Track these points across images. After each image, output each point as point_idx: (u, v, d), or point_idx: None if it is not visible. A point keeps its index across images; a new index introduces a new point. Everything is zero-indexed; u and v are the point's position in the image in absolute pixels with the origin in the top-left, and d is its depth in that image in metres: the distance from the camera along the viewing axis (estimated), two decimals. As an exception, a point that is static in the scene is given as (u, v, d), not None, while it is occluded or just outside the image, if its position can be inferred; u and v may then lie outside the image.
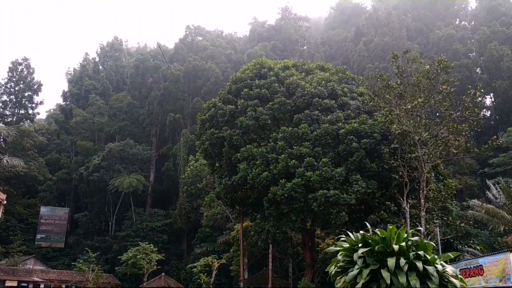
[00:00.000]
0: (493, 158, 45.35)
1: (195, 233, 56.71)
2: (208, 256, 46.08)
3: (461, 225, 25.33)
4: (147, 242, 50.07)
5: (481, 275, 13.31)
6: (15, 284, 42.95)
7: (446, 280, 6.88)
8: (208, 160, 34.75)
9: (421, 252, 6.92)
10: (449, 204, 25.96)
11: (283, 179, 25.45)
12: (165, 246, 56.79)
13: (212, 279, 44.96)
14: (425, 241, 7.31)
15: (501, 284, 12.39)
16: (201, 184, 51.31)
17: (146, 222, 60.25)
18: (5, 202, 8.64)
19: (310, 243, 33.08)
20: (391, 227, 7.41)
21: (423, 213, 22.38)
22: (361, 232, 7.67)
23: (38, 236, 58.80)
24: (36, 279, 45.48)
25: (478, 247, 25.07)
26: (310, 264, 32.64)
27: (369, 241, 7.39)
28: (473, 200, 29.26)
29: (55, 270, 51.78)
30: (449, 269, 7.03)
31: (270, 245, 37.43)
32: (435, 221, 23.92)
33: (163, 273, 50.97)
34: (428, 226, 22.96)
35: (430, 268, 6.69)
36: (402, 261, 6.73)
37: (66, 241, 60.77)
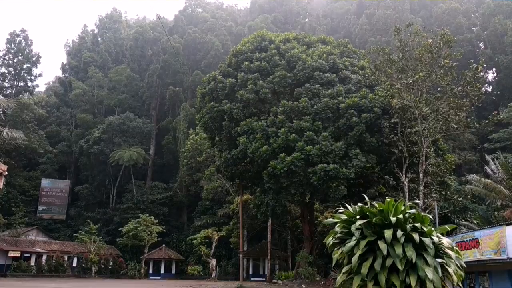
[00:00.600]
0: (493, 134, 45.32)
1: (195, 206, 57.30)
2: (208, 229, 46.75)
3: (459, 199, 25.56)
4: (147, 215, 50.66)
5: (477, 248, 13.52)
6: (18, 254, 43.59)
7: (441, 251, 6.98)
8: (208, 134, 34.80)
9: (417, 224, 6.99)
10: (447, 178, 26.12)
11: (283, 153, 25.56)
12: (166, 219, 57.44)
13: (212, 250, 45.74)
14: (422, 214, 7.38)
15: (496, 256, 12.60)
16: (201, 157, 51.51)
17: (147, 194, 60.76)
18: (6, 173, 8.70)
19: (309, 216, 33.50)
20: (389, 199, 7.47)
21: (421, 187, 22.55)
22: (359, 204, 7.73)
23: (40, 208, 59.37)
24: (38, 249, 46.15)
25: (475, 221, 25.36)
26: (308, 237, 33.13)
27: (367, 213, 7.45)
28: (472, 175, 29.42)
29: (57, 241, 52.47)
30: (445, 241, 7.12)
31: (269, 218, 37.89)
32: (433, 195, 24.12)
33: (163, 245, 51.79)
34: (426, 200, 23.17)
35: (426, 240, 6.77)
36: (399, 232, 6.80)
37: (68, 213, 61.40)
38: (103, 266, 48.61)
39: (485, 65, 28.47)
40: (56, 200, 60.41)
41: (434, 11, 68.65)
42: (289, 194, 27.00)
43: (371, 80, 27.11)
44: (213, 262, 45.25)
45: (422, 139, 22.81)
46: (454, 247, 7.20)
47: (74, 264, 48.79)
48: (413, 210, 7.47)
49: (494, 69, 60.58)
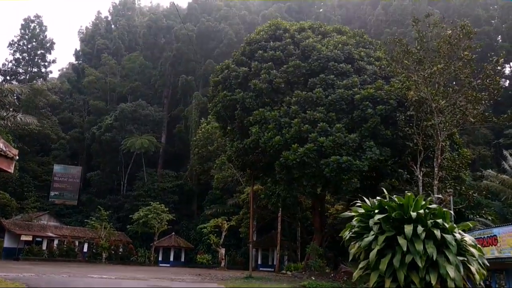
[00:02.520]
0: (509, 129, 44.49)
1: (205, 195, 57.39)
2: (218, 218, 46.79)
3: (474, 195, 25.09)
4: (158, 202, 50.85)
5: (495, 245, 13.19)
6: (30, 238, 44.10)
7: (464, 249, 6.71)
8: (220, 123, 34.59)
9: (439, 221, 6.73)
10: (462, 173, 25.63)
11: (296, 144, 25.26)
12: (176, 207, 57.66)
13: (222, 240, 45.82)
14: (444, 209, 7.10)
15: (515, 254, 12.30)
16: (212, 146, 51.42)
17: (157, 182, 60.99)
18: (17, 157, 8.59)
19: (319, 208, 33.25)
20: (409, 194, 7.20)
21: (436, 182, 22.15)
22: (377, 198, 7.47)
23: (52, 193, 59.96)
24: (50, 234, 46.65)
25: (490, 217, 24.90)
26: (318, 229, 32.92)
27: (386, 207, 7.21)
28: (488, 170, 28.86)
29: (68, 226, 53.00)
30: (468, 238, 6.85)
31: (280, 209, 37.74)
32: (448, 190, 23.69)
33: (173, 233, 52.04)
34: (440, 195, 22.77)
35: (448, 237, 6.52)
36: (420, 228, 6.55)
37: (79, 199, 61.95)
38: (113, 252, 49.00)
39: (505, 58, 27.69)
40: (68, 186, 60.95)
41: (452, 3, 67.34)
42: (301, 185, 26.74)
43: (387, 72, 26.61)
44: (222, 251, 45.34)
45: (438, 132, 22.34)
46: (477, 245, 6.91)
47: (85, 250, 49.26)
48: (433, 206, 7.20)
49: (511, 63, 59.35)
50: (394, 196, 7.39)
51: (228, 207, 50.96)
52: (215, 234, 45.85)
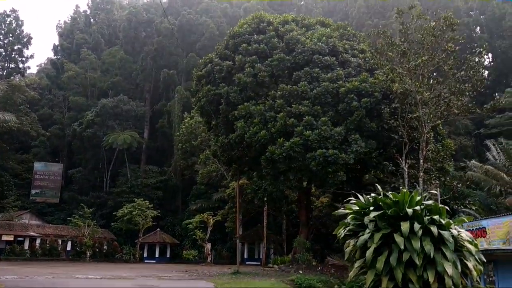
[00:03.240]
0: (490, 119, 45.15)
1: (190, 190, 57.00)
2: (203, 213, 46.50)
3: (458, 185, 25.37)
4: (142, 199, 50.27)
5: (484, 237, 13.30)
6: (11, 238, 43.20)
7: (460, 245, 6.63)
8: (204, 118, 34.29)
9: (436, 217, 6.63)
10: (446, 164, 25.88)
11: (281, 138, 25.19)
12: (160, 202, 57.11)
13: (207, 235, 45.61)
14: (440, 205, 7.01)
15: (505, 246, 12.38)
16: (196, 141, 50.97)
17: (141, 178, 60.30)
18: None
19: (305, 202, 33.29)
20: (404, 190, 7.08)
21: (421, 173, 22.29)
22: (372, 194, 7.34)
23: (33, 192, 58.81)
24: (32, 233, 45.75)
25: (474, 207, 25.23)
26: (305, 222, 32.97)
27: (381, 204, 7.08)
28: (472, 161, 29.21)
29: (50, 225, 52.08)
30: (464, 234, 6.77)
31: (265, 203, 37.68)
32: (433, 181, 23.89)
33: (158, 229, 51.61)
34: (425, 187, 22.94)
35: (446, 233, 6.42)
36: (417, 225, 6.43)
37: (61, 196, 60.87)
38: (97, 250, 48.37)
39: (486, 50, 27.89)
40: (49, 184, 59.85)
41: (432, -5, 67.71)
42: (287, 179, 26.71)
43: (371, 64, 26.63)
44: (208, 246, 45.17)
45: (423, 124, 22.46)
46: (474, 241, 6.84)
47: (69, 248, 48.51)
48: (429, 202, 7.10)
49: (490, 54, 60.17)
50: (389, 192, 7.26)
51: (213, 202, 50.69)
52: (201, 230, 45.60)
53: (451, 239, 6.40)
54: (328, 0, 79.35)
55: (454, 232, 6.63)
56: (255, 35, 29.78)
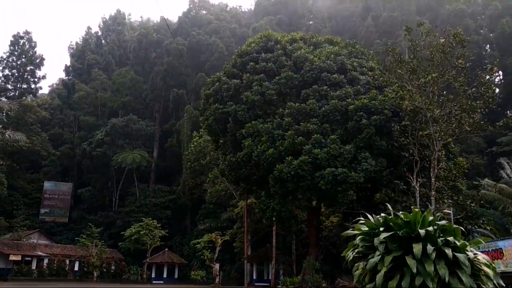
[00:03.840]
0: (502, 137, 44.43)
1: (199, 209, 56.54)
2: (212, 233, 45.93)
3: (471, 204, 24.72)
4: (150, 218, 49.94)
5: (501, 259, 12.75)
6: (19, 258, 42.99)
7: (477, 268, 6.22)
8: (212, 136, 34.08)
9: (450, 238, 6.25)
10: (459, 183, 25.28)
11: (290, 157, 24.81)
12: (169, 222, 56.73)
13: (216, 255, 44.94)
14: (454, 226, 6.62)
15: (524, 269, 11.85)
16: (205, 160, 50.75)
17: (150, 198, 60.09)
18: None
19: (315, 221, 32.68)
20: (416, 209, 6.71)
21: (433, 192, 21.75)
22: (382, 214, 6.98)
23: (42, 211, 58.80)
24: (40, 253, 45.51)
25: (488, 227, 24.49)
26: (314, 243, 32.31)
27: (391, 224, 6.71)
28: (486, 180, 28.54)
29: (59, 244, 51.85)
30: (481, 256, 6.36)
31: (274, 222, 37.08)
32: (445, 200, 23.29)
33: (166, 249, 51.08)
34: (438, 206, 22.36)
35: (461, 256, 6.02)
36: (430, 247, 6.05)
37: (70, 216, 60.78)
38: (105, 270, 47.91)
39: (497, 67, 27.55)
40: (58, 203, 59.82)
41: (440, 13, 67.83)
42: (296, 198, 26.21)
43: (380, 82, 26.38)
44: (217, 267, 44.42)
45: (434, 142, 22.02)
46: (491, 264, 6.41)
47: (76, 268, 48.10)
48: (443, 222, 6.72)
49: (500, 72, 59.67)
50: (400, 212, 6.90)
51: (221, 221, 50.13)
52: (209, 250, 44.96)
53: (467, 262, 6.00)
54: (336, 20, 79.86)
55: (470, 254, 6.22)
56: (263, 54, 29.76)
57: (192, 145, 53.71)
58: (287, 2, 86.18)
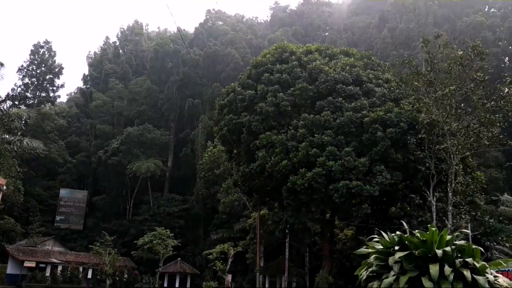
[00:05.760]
0: (522, 151, 43.43)
1: (212, 219, 56.38)
2: (224, 243, 45.67)
3: (490, 220, 24.08)
4: (163, 227, 49.92)
5: (522, 279, 12.29)
6: (33, 264, 43.33)
7: (497, 292, 5.96)
8: (226, 147, 34.04)
9: (469, 260, 6.00)
10: (477, 198, 24.69)
11: (303, 168, 24.55)
12: (182, 231, 56.70)
13: (228, 266, 44.65)
14: (474, 246, 6.36)
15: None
16: (219, 170, 50.73)
17: (163, 207, 60.18)
18: (4, 187, 8.06)
19: (328, 234, 32.23)
20: (433, 228, 6.47)
21: (450, 207, 21.26)
22: (397, 232, 6.76)
23: (57, 218, 59.36)
24: (54, 260, 45.83)
25: (507, 244, 23.79)
26: (328, 256, 31.83)
27: (407, 243, 6.49)
28: (505, 195, 27.84)
29: (73, 252, 52.15)
30: (502, 280, 6.09)
31: (287, 234, 36.73)
32: (462, 216, 22.74)
33: (179, 258, 50.94)
34: (455, 221, 21.84)
35: (481, 279, 5.77)
36: (447, 269, 5.82)
37: (85, 223, 61.24)
38: (117, 278, 47.91)
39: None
40: (73, 210, 60.39)
41: (458, 25, 67.12)
42: (309, 211, 25.91)
43: (396, 94, 26.05)
44: (229, 278, 44.11)
45: (451, 156, 21.57)
46: (513, 288, 6.13)
47: (89, 276, 48.26)
48: (461, 242, 6.47)
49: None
50: (416, 230, 6.66)
51: (234, 232, 49.85)
52: (221, 260, 44.69)
53: (486, 285, 5.75)
54: (352, 31, 79.68)
55: (490, 277, 5.96)
56: (278, 65, 29.68)
57: (206, 155, 53.78)
58: (303, 14, 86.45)
